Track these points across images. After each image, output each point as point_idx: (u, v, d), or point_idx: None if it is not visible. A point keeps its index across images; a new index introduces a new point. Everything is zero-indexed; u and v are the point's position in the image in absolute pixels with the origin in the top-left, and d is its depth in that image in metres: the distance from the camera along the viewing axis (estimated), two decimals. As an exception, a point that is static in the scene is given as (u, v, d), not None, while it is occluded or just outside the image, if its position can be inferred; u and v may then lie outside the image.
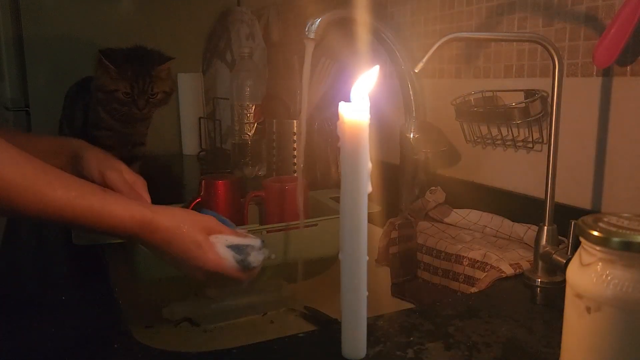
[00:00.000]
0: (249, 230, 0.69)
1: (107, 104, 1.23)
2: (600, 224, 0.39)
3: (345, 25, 0.82)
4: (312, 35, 0.75)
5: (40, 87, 1.62)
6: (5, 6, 1.75)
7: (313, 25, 0.75)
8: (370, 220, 0.46)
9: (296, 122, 1.16)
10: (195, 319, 0.92)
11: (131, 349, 0.51)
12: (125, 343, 0.52)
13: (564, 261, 0.63)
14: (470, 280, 0.73)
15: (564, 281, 0.45)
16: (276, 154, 1.23)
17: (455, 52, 0.94)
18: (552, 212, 0.66)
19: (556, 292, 0.63)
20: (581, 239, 0.40)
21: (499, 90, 0.84)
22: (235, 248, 0.61)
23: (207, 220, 0.63)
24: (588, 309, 0.39)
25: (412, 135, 0.91)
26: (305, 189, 0.76)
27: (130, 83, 1.20)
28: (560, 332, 0.43)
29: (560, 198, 0.71)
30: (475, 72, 0.90)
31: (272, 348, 0.50)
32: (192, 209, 0.97)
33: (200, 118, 1.72)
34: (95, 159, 0.79)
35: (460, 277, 0.75)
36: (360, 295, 0.46)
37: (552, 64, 0.63)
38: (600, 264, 0.39)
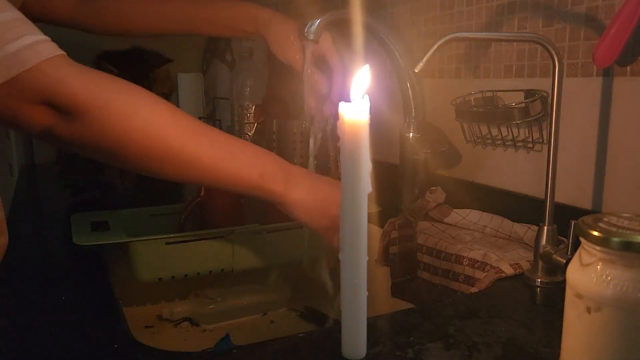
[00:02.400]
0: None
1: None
2: (600, 224, 0.39)
3: (344, 25, 0.82)
4: (311, 36, 0.75)
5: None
6: (5, 6, 1.74)
7: (312, 26, 0.75)
8: (370, 220, 0.46)
9: (296, 123, 1.15)
10: (195, 319, 0.92)
11: (131, 349, 0.51)
12: (125, 343, 0.52)
13: (564, 261, 0.63)
14: (470, 280, 0.73)
15: (564, 281, 0.44)
16: (276, 154, 1.22)
17: (455, 52, 0.94)
18: (552, 212, 0.66)
19: (556, 292, 0.63)
20: (581, 239, 0.40)
21: (499, 90, 0.84)
22: None
23: None
24: (588, 309, 0.39)
25: (412, 135, 0.91)
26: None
27: (129, 84, 1.19)
28: (560, 332, 0.43)
29: (560, 198, 0.71)
30: (475, 72, 0.90)
31: (272, 348, 0.50)
32: (192, 208, 0.97)
33: (200, 118, 1.72)
34: (279, 38, 0.76)
35: (460, 277, 0.75)
36: (360, 295, 0.46)
37: (552, 64, 0.63)
38: (600, 264, 0.39)
